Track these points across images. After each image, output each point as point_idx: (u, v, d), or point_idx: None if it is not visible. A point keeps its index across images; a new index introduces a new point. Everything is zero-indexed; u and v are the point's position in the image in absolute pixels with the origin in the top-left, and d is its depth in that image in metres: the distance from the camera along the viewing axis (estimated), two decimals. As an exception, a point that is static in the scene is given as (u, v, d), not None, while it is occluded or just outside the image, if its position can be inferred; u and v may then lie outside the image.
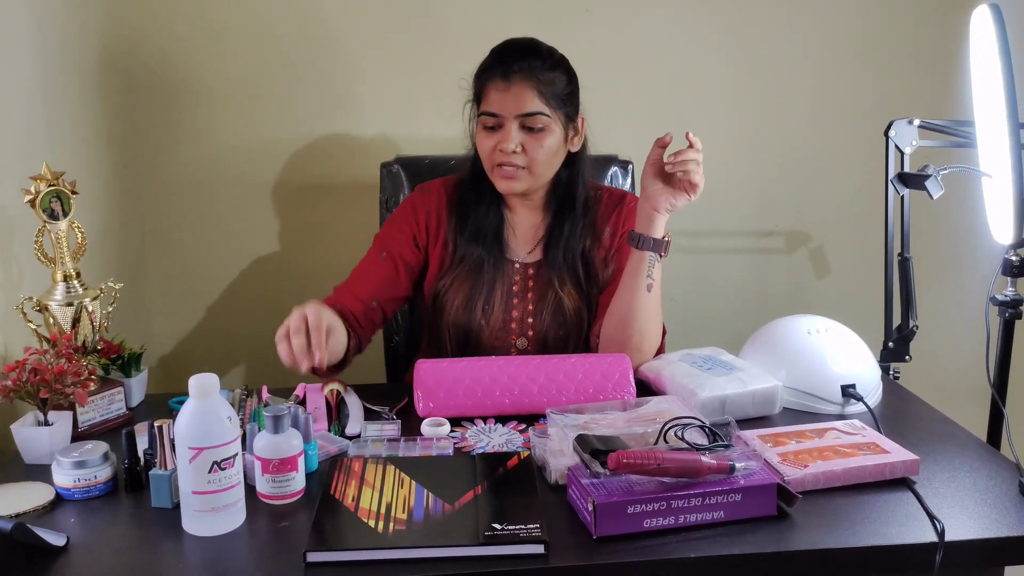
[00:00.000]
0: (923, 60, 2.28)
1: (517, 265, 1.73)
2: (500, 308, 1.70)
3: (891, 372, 1.82)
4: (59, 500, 1.26)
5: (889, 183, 1.80)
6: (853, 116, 2.29)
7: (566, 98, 1.67)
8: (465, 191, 1.74)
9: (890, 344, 1.84)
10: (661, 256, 1.59)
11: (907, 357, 1.84)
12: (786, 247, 2.39)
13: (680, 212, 2.28)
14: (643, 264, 1.58)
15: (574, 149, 1.71)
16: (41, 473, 1.32)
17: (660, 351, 1.72)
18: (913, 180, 1.75)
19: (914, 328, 1.81)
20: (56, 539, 1.13)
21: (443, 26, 2.12)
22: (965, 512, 1.21)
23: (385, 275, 1.72)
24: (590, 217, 1.75)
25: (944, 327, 2.29)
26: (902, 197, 1.81)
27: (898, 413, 1.56)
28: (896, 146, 1.79)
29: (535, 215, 1.75)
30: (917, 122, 1.79)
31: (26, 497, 1.25)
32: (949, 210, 2.11)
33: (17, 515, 1.20)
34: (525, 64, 1.63)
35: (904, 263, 1.81)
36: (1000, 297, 1.68)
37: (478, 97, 1.68)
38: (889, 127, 1.79)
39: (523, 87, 1.62)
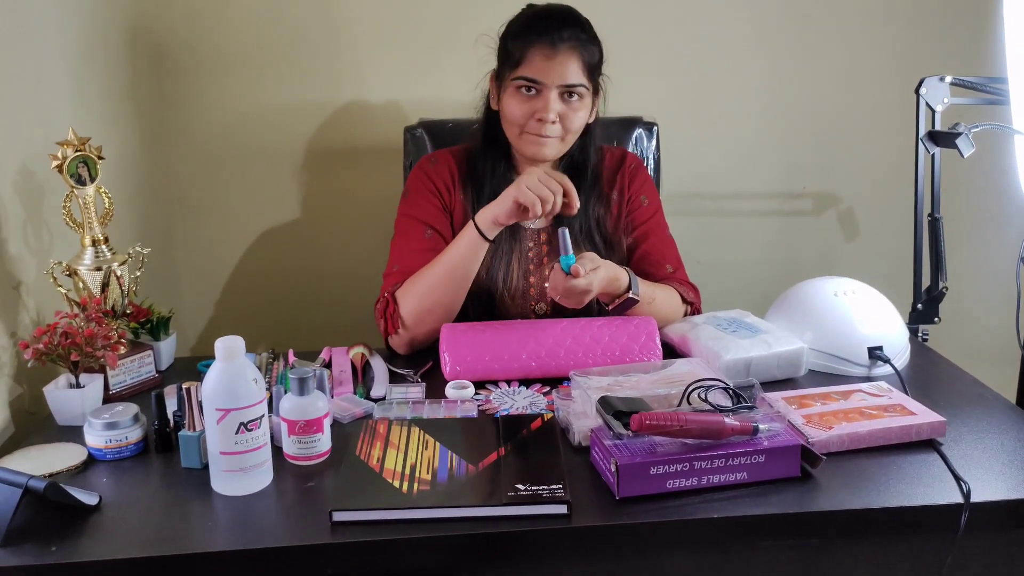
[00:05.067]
0: (955, 16, 2.23)
1: (530, 232, 1.73)
2: (519, 275, 1.70)
3: (920, 334, 1.80)
4: (91, 460, 1.28)
5: (919, 142, 1.77)
6: (884, 74, 2.25)
7: (598, 71, 1.67)
8: (476, 161, 1.73)
9: (919, 306, 1.83)
10: (635, 299, 1.60)
11: (936, 319, 1.82)
12: (814, 209, 2.36)
13: (707, 173, 2.29)
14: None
15: (591, 120, 1.71)
16: (73, 434, 1.34)
17: (696, 311, 1.73)
18: (944, 138, 1.72)
19: (944, 289, 1.79)
20: (88, 498, 1.15)
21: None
22: (992, 473, 1.20)
23: (440, 249, 1.65)
24: (600, 187, 1.75)
25: (974, 288, 2.26)
26: (932, 156, 1.78)
27: (926, 375, 1.55)
28: (927, 104, 1.76)
29: None
30: (949, 79, 1.76)
31: (59, 457, 1.27)
32: (980, 169, 2.08)
33: (51, 475, 1.22)
34: (572, 34, 1.60)
35: (934, 223, 1.79)
36: (1032, 257, 1.66)
37: (516, 60, 1.63)
38: (920, 84, 1.76)
39: (569, 57, 1.60)
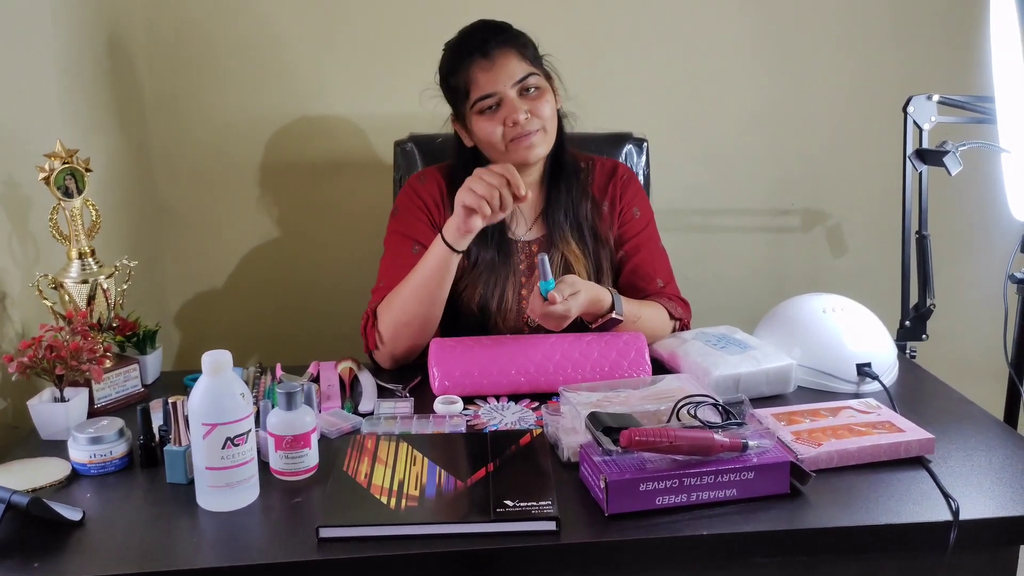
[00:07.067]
0: (942, 35, 2.25)
1: (520, 244, 1.73)
2: (513, 295, 1.70)
3: (907, 351, 1.81)
4: (75, 475, 1.27)
5: (907, 160, 1.78)
6: (872, 92, 2.26)
7: (539, 58, 1.68)
8: (457, 178, 1.73)
9: (907, 323, 1.83)
10: (619, 318, 1.60)
11: (924, 336, 1.82)
12: (802, 225, 2.37)
13: (696, 189, 2.30)
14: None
15: (558, 106, 1.71)
16: (57, 449, 1.33)
17: (685, 327, 1.73)
18: (931, 156, 1.73)
19: (931, 307, 1.79)
20: (72, 513, 1.14)
21: (456, 3, 2.10)
22: (980, 491, 1.20)
23: None
24: (583, 183, 1.75)
25: (961, 306, 2.27)
26: (920, 174, 1.79)
27: (914, 392, 1.55)
28: (914, 122, 1.77)
29: (531, 192, 1.74)
30: (936, 98, 1.77)
31: (43, 472, 1.26)
32: (967, 187, 2.08)
33: (34, 490, 1.21)
34: (497, 38, 1.63)
35: (921, 241, 1.80)
36: (1018, 275, 1.67)
37: (464, 91, 1.64)
38: (907, 103, 1.77)
39: (506, 58, 1.62)
